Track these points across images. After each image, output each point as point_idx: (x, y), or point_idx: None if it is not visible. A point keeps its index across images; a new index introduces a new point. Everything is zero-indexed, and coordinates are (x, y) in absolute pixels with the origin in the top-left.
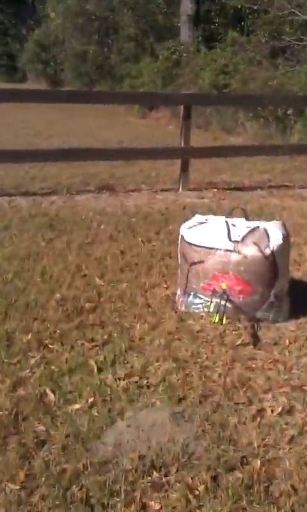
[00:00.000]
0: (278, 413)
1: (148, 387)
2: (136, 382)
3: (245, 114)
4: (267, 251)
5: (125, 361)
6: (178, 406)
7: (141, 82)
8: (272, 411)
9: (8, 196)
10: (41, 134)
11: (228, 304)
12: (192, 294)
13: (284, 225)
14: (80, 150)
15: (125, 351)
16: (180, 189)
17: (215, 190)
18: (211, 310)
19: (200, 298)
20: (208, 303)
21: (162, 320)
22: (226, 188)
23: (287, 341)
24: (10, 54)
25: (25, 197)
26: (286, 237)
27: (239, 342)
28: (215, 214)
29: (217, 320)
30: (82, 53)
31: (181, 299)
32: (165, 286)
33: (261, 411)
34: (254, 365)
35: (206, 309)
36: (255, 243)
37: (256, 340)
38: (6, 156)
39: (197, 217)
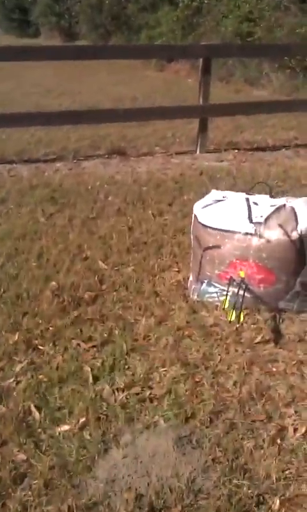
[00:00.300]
0: (302, 434)
1: (151, 400)
2: (137, 394)
3: (270, 64)
4: (294, 235)
5: (126, 367)
6: (185, 426)
7: (159, 33)
8: (295, 431)
9: (9, 164)
10: (51, 92)
11: (246, 294)
12: (205, 281)
13: None
14: (88, 112)
15: (127, 353)
16: (198, 151)
17: (236, 151)
18: (227, 305)
19: (215, 287)
20: (224, 293)
21: (171, 312)
22: (248, 148)
23: None
24: (22, 8)
25: (27, 164)
26: None
27: (258, 338)
28: (234, 179)
29: (233, 318)
30: (98, 3)
31: (193, 287)
32: (176, 269)
33: (282, 431)
34: (275, 369)
35: (221, 298)
36: (280, 225)
37: (278, 336)
38: (5, 120)
39: (214, 194)
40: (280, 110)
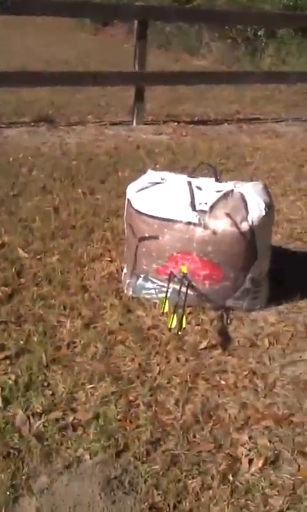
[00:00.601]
0: (259, 468)
1: (75, 428)
2: (57, 420)
3: (210, 34)
4: (244, 226)
5: (45, 383)
6: (116, 462)
7: None
8: (250, 463)
9: None
10: None
11: (189, 291)
12: (142, 276)
13: (266, 188)
14: (12, 74)
15: (47, 366)
16: (134, 123)
17: (176, 124)
18: (166, 307)
19: (153, 282)
20: (164, 289)
21: (102, 311)
22: (188, 121)
23: (267, 341)
24: None
25: None
26: (269, 207)
27: (204, 344)
28: (175, 154)
29: (174, 324)
30: None
31: (128, 281)
32: (108, 258)
33: (234, 464)
34: (223, 382)
35: (160, 295)
36: (228, 214)
37: (226, 340)
38: None
39: (150, 175)
40: (223, 82)
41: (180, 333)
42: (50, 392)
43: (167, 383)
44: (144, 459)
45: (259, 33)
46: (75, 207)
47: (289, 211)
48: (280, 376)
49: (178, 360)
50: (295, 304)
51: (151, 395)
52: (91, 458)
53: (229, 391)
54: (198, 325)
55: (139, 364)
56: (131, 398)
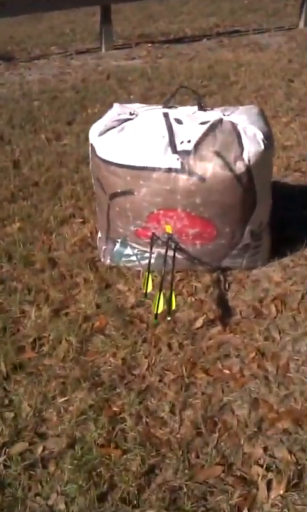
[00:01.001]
0: (280, 494)
1: (45, 464)
2: (22, 455)
3: None
4: (239, 167)
5: (6, 402)
6: (100, 510)
7: None
8: (269, 489)
9: None
10: None
11: (177, 255)
12: (119, 241)
13: (262, 113)
14: None
15: (7, 377)
16: (103, 49)
17: (150, 45)
18: (149, 287)
19: (132, 248)
20: (146, 255)
21: (75, 290)
22: (163, 41)
23: (273, 307)
24: None
25: None
26: (268, 138)
27: (200, 321)
28: (150, 81)
29: (161, 307)
30: None
31: (103, 247)
32: (80, 219)
33: (249, 492)
34: (227, 371)
35: (144, 262)
36: (218, 153)
37: (225, 312)
38: None
39: (116, 110)
40: None
41: (169, 318)
42: (12, 414)
43: (159, 381)
44: (136, 501)
45: None
46: (38, 158)
47: (283, 136)
48: (293, 353)
49: (170, 347)
50: (302, 254)
51: (139, 403)
52: (67, 508)
53: (235, 383)
54: (191, 295)
55: (123, 359)
56: (115, 409)
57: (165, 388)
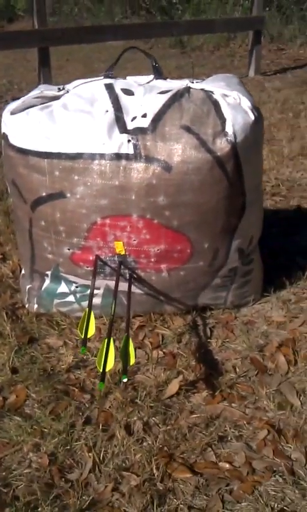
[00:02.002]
0: None
1: None
2: None
3: (122, 10)
4: (221, 146)
5: None
6: None
7: None
8: None
9: None
10: None
11: (134, 290)
12: (48, 275)
13: (243, 85)
14: None
15: None
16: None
17: None
18: (90, 330)
19: (69, 282)
20: (87, 292)
21: None
22: None
23: (281, 358)
24: None
25: None
26: (258, 110)
27: (174, 386)
28: None
29: (109, 365)
30: None
31: (27, 286)
32: None
33: None
34: (227, 465)
35: (84, 303)
36: (187, 128)
37: (213, 371)
38: None
39: (42, 88)
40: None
41: (125, 379)
42: None
43: (114, 490)
44: None
45: (174, 0)
46: None
47: None
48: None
49: (128, 431)
50: (305, 284)
51: None
52: None
53: (241, 486)
54: (158, 347)
55: (51, 456)
56: None
57: (125, 504)
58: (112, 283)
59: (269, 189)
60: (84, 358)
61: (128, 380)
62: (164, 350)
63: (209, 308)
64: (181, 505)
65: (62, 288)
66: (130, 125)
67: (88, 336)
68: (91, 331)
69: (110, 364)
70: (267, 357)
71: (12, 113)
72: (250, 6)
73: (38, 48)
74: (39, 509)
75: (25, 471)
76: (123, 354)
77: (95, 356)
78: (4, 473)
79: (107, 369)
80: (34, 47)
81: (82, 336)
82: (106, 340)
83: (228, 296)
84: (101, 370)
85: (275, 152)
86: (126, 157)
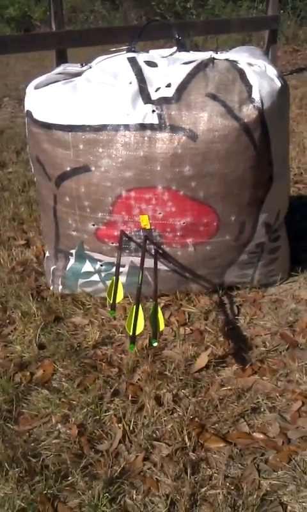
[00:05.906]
0: None
1: None
2: None
3: (137, 14)
4: (248, 113)
5: None
6: None
7: None
8: None
9: None
10: None
11: (160, 265)
12: (73, 253)
13: (266, 56)
14: None
15: None
16: None
17: None
18: (119, 295)
19: (93, 261)
20: (112, 270)
21: (6, 328)
22: None
23: None
24: None
25: None
26: (283, 78)
27: (203, 360)
28: None
29: (139, 328)
30: None
31: (52, 268)
32: (22, 242)
33: None
34: (261, 435)
35: (107, 283)
36: (213, 96)
37: (242, 345)
38: None
39: (65, 66)
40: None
41: (155, 344)
42: None
43: (145, 459)
44: None
45: (188, 5)
46: None
47: None
48: None
49: (158, 402)
50: None
51: (110, 502)
52: None
53: (277, 455)
54: (184, 325)
55: (80, 427)
56: None
57: (157, 473)
58: (137, 260)
59: (292, 177)
60: (110, 334)
61: (155, 355)
62: (190, 327)
63: (236, 287)
64: (215, 474)
65: (87, 267)
66: (154, 96)
67: (117, 301)
68: (120, 296)
69: (140, 327)
70: (297, 332)
71: (36, 88)
72: (265, 9)
73: (56, 51)
74: (69, 478)
75: (54, 441)
76: (153, 321)
77: (121, 333)
78: (33, 444)
79: (137, 332)
80: (52, 49)
81: (111, 302)
82: (135, 303)
83: (255, 273)
84: (131, 334)
85: (296, 144)
86: (151, 127)
